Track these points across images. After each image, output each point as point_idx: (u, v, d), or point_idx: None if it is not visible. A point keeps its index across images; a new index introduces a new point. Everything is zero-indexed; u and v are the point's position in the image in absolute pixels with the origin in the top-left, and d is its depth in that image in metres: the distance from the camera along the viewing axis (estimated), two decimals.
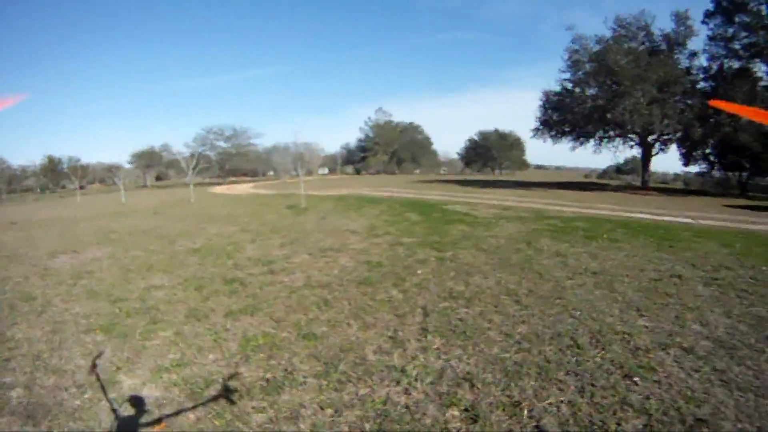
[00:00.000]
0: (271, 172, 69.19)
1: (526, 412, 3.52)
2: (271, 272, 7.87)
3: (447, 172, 71.27)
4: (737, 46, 29.17)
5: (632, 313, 5.71)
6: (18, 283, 7.63)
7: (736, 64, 30.03)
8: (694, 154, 35.42)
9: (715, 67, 30.68)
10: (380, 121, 73.29)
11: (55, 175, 67.16)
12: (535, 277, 7.29)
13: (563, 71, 31.89)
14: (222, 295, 6.55)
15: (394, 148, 70.30)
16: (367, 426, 3.37)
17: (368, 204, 19.06)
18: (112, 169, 66.29)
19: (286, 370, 4.22)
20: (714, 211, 18.65)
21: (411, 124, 73.90)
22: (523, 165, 77.79)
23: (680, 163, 36.79)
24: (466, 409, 3.57)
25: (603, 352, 4.55)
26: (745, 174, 35.08)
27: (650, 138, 32.13)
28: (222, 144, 65.25)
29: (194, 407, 3.60)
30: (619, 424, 3.34)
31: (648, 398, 3.70)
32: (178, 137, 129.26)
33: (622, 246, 9.78)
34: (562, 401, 3.65)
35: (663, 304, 6.06)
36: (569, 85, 31.83)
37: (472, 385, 3.91)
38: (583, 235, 10.94)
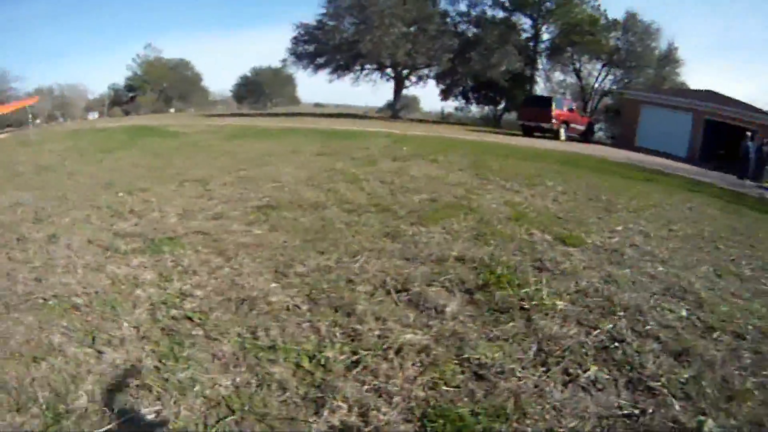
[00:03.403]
0: (38, 120, 62.96)
1: None
2: None
3: (223, 110, 71.13)
4: None
5: (211, 167, 7.87)
6: None
7: (500, 14, 36.40)
8: (453, 90, 41.28)
9: (474, 12, 36.41)
10: (150, 58, 69.98)
11: None
12: (154, 156, 9.67)
13: (322, 6, 34.29)
14: None
15: (162, 87, 68.25)
16: None
17: (94, 132, 19.71)
18: None
19: None
20: (447, 131, 22.07)
21: (182, 60, 71.96)
22: (295, 101, 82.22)
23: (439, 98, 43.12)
24: None
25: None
26: (500, 108, 42.25)
27: (404, 72, 36.79)
28: None
29: None
30: None
31: None
32: None
33: (283, 140, 12.06)
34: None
35: (255, 163, 8.24)
36: (325, 19, 34.36)
37: None
38: (254, 137, 13.20)
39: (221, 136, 13.47)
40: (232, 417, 1.94)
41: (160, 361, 2.30)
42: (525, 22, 36.72)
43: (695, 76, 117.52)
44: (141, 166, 8.47)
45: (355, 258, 3.71)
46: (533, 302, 3.04)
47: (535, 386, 2.27)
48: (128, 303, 2.95)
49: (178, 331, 2.59)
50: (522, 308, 2.96)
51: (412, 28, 32.34)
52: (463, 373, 2.35)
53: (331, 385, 2.17)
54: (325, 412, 1.98)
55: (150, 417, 1.96)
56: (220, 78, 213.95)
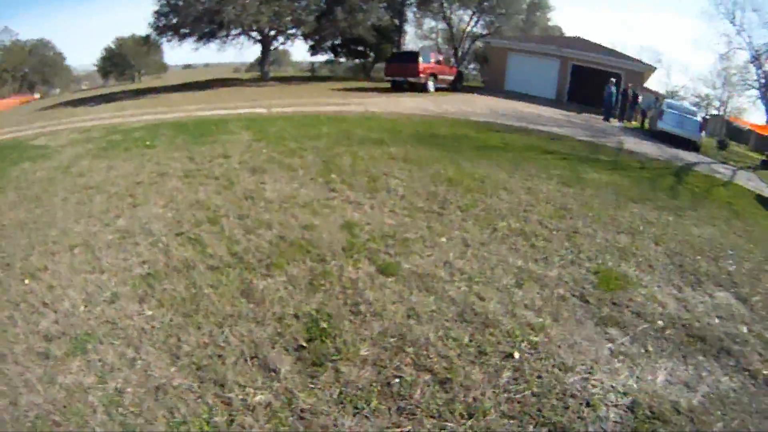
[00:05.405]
0: None
1: None
2: None
3: (89, 87, 66.80)
4: None
5: (89, 216, 7.68)
6: None
7: None
8: (322, 45, 43.60)
9: None
10: (6, 43, 64.02)
11: None
12: (31, 201, 8.82)
13: None
14: None
15: (24, 72, 63.03)
16: None
17: None
18: None
19: None
20: (313, 95, 24.20)
21: (41, 40, 66.32)
22: (162, 68, 79.34)
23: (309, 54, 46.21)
24: None
25: None
26: (370, 60, 46.66)
27: (272, 33, 37.13)
28: None
29: None
30: None
31: None
32: None
33: (148, 152, 12.03)
34: None
35: (127, 202, 8.12)
36: None
37: None
38: (122, 147, 12.96)
39: (91, 151, 13.16)
40: None
41: None
42: None
43: (573, 20, 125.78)
44: (25, 224, 7.76)
45: (222, 329, 4.43)
46: (341, 353, 4.06)
47: (334, 419, 3.48)
48: (89, 409, 3.61)
49: (128, 424, 3.48)
50: (332, 359, 4.00)
51: None
52: (292, 416, 3.49)
53: None
54: None
55: None
56: (84, 52, 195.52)
